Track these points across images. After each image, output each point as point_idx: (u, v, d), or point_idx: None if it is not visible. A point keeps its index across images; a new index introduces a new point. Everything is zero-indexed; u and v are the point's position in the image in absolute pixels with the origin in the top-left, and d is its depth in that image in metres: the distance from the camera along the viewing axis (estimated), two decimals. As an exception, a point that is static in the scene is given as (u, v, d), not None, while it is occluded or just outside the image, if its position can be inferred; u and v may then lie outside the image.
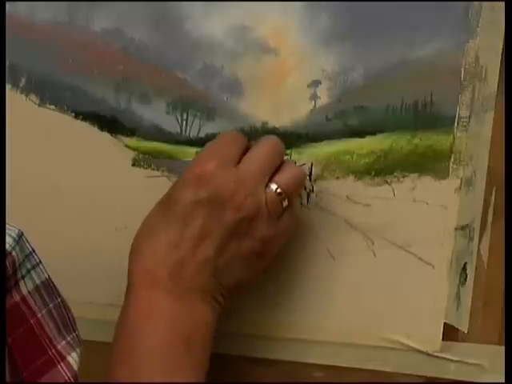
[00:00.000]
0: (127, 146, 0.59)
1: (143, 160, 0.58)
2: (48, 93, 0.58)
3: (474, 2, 0.53)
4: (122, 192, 0.59)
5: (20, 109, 0.58)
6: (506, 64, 0.54)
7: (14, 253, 0.40)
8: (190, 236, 0.47)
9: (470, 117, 0.55)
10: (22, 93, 0.58)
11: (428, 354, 0.58)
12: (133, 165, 0.59)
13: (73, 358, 0.42)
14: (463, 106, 0.54)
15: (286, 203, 0.50)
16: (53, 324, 0.42)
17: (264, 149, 0.51)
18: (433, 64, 0.54)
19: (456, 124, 0.55)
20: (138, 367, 0.45)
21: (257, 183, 0.49)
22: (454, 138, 0.55)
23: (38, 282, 0.42)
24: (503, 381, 0.50)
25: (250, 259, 0.49)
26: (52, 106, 0.58)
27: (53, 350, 0.42)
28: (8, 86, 0.58)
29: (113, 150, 0.58)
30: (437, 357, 0.58)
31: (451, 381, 0.59)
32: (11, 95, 0.58)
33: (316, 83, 0.56)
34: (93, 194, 0.59)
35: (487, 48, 0.54)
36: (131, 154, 0.59)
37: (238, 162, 0.50)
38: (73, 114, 0.58)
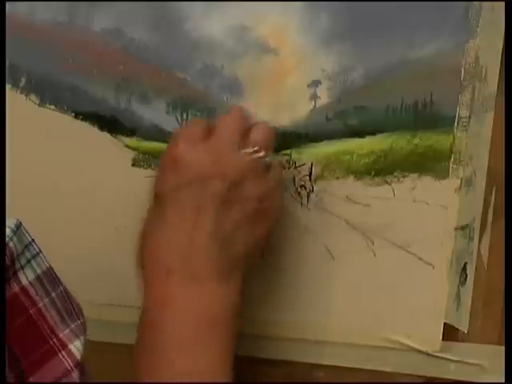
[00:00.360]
0: (127, 146, 0.59)
1: (143, 160, 0.58)
2: (48, 93, 0.58)
3: (474, 2, 0.53)
4: (122, 192, 0.59)
5: (20, 109, 0.58)
6: (506, 64, 0.54)
7: (11, 243, 0.40)
8: (187, 218, 0.47)
9: (470, 117, 0.55)
10: (22, 93, 0.58)
11: (428, 354, 0.58)
12: (133, 165, 0.59)
13: (75, 346, 0.42)
14: (463, 106, 0.54)
15: (265, 158, 0.50)
16: (55, 312, 0.42)
17: (228, 117, 0.51)
18: (433, 64, 0.54)
19: (456, 124, 0.55)
20: (162, 355, 0.46)
21: (232, 149, 0.49)
22: (454, 138, 0.55)
23: (39, 271, 0.42)
24: (503, 381, 0.50)
25: (254, 220, 0.49)
26: (52, 106, 0.58)
27: (54, 339, 0.42)
28: (8, 86, 0.58)
29: (113, 150, 0.58)
30: (437, 357, 0.58)
31: (451, 381, 0.59)
32: (11, 95, 0.58)
33: (316, 83, 0.56)
34: (93, 193, 0.59)
35: (487, 48, 0.54)
36: (131, 154, 0.59)
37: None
38: (73, 114, 0.58)
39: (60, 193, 0.59)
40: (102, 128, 0.58)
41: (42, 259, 0.42)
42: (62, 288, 0.44)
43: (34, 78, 0.58)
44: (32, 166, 0.59)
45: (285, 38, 0.56)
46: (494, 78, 0.55)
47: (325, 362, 0.60)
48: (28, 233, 0.42)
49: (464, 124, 0.55)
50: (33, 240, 0.42)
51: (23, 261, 0.41)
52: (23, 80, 0.58)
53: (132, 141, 0.58)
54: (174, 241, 0.48)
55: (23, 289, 0.41)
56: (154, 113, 0.58)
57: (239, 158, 0.49)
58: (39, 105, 0.58)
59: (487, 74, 0.55)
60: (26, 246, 0.42)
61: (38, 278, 0.42)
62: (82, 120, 0.58)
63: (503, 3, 0.53)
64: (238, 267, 0.49)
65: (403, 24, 0.54)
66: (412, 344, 0.58)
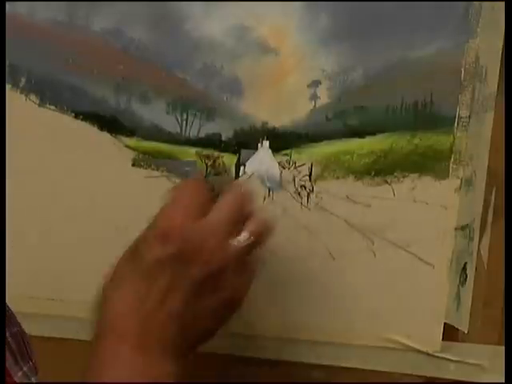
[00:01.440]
0: (127, 146, 0.58)
1: (143, 160, 0.58)
2: (48, 93, 0.58)
3: (474, 2, 0.53)
4: (122, 192, 0.59)
5: (20, 109, 0.58)
6: (506, 64, 0.54)
7: None
8: (158, 291, 0.46)
9: (469, 117, 0.55)
10: (21, 93, 0.58)
11: (428, 354, 0.58)
12: (133, 165, 0.59)
13: None
14: (463, 105, 0.54)
15: (254, 249, 0.48)
16: (9, 354, 0.41)
17: (232, 198, 0.49)
18: (433, 64, 0.54)
19: (456, 124, 0.55)
20: None
21: (225, 235, 0.47)
22: (454, 138, 0.55)
23: None
24: (503, 381, 0.50)
25: (221, 310, 0.48)
26: (52, 106, 0.58)
27: (10, 382, 0.41)
28: (8, 86, 0.58)
29: (113, 150, 0.58)
30: (437, 357, 0.58)
31: (451, 381, 0.59)
32: (11, 95, 0.58)
33: (316, 83, 0.56)
34: (93, 193, 0.59)
35: (487, 48, 0.54)
36: (131, 154, 0.58)
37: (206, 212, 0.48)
38: (73, 114, 0.58)
39: (60, 193, 0.59)
40: (101, 128, 0.58)
41: None
42: (17, 328, 0.42)
43: (33, 78, 0.58)
44: (32, 166, 0.59)
45: (285, 38, 0.56)
46: (494, 78, 0.55)
47: (325, 362, 0.60)
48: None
49: (464, 124, 0.55)
50: None
51: None
52: (23, 80, 0.58)
53: (132, 141, 0.58)
54: (136, 307, 0.46)
55: None
56: (154, 113, 0.58)
57: (228, 248, 0.47)
58: (39, 105, 0.58)
59: (487, 74, 0.55)
60: None
61: None
62: (82, 120, 0.58)
63: (503, 3, 0.53)
64: (192, 348, 0.48)
65: (403, 24, 0.54)
66: (412, 344, 0.58)
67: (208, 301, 0.47)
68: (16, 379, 0.41)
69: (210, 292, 0.47)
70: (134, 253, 0.48)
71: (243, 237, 0.47)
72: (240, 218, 0.48)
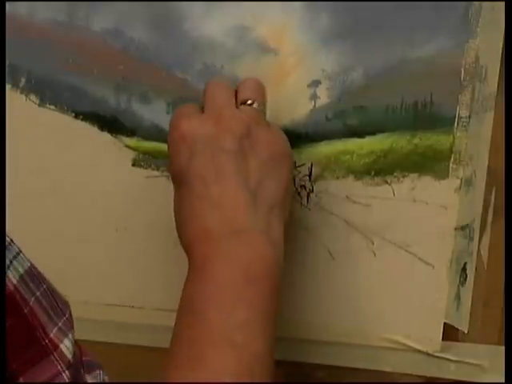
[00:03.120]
0: (127, 146, 0.59)
1: (143, 160, 0.58)
2: (48, 93, 0.58)
3: (474, 2, 0.53)
4: (122, 192, 0.59)
5: (20, 109, 0.58)
6: (506, 64, 0.54)
7: None
8: (210, 180, 0.48)
9: (469, 117, 0.55)
10: (22, 93, 0.58)
11: (428, 354, 0.58)
12: (133, 165, 0.59)
13: (65, 346, 0.42)
14: (463, 105, 0.54)
15: (261, 108, 0.52)
16: (42, 311, 0.41)
17: (215, 86, 0.52)
18: (433, 64, 0.54)
19: (456, 124, 0.55)
20: (198, 312, 0.44)
21: (229, 107, 0.51)
22: (454, 138, 0.55)
23: (22, 271, 0.41)
24: (503, 381, 0.50)
25: (273, 165, 0.50)
26: (52, 106, 0.58)
27: (46, 340, 0.41)
28: (8, 86, 0.58)
29: (113, 150, 0.58)
30: (437, 357, 0.58)
31: (451, 381, 0.59)
32: (11, 95, 0.58)
33: (316, 83, 0.56)
34: (93, 194, 0.59)
35: (487, 48, 0.54)
36: (131, 154, 0.59)
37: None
38: (73, 114, 0.58)
39: (60, 193, 0.59)
40: (102, 128, 0.58)
41: (23, 258, 0.41)
42: (45, 285, 0.43)
43: (33, 78, 0.58)
44: (32, 166, 0.59)
45: (285, 38, 0.56)
46: (494, 78, 0.55)
47: (325, 361, 0.60)
48: (6, 234, 0.41)
49: (464, 124, 0.55)
50: (11, 240, 0.41)
51: (6, 262, 0.40)
52: (23, 80, 0.58)
53: (132, 141, 0.58)
54: (204, 202, 0.47)
55: (16, 289, 0.40)
56: (154, 113, 0.58)
57: (239, 113, 0.50)
58: (39, 105, 0.58)
59: (487, 73, 0.55)
60: (7, 247, 0.40)
61: (21, 277, 0.41)
62: (82, 120, 0.58)
63: (503, 3, 0.53)
64: (275, 214, 0.49)
65: (403, 24, 0.54)
66: (412, 344, 0.58)
67: (255, 161, 0.49)
68: (52, 335, 0.41)
69: (251, 153, 0.49)
70: (175, 177, 0.51)
71: (243, 104, 0.52)
72: (232, 93, 0.52)
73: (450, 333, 0.58)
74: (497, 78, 0.55)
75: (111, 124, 0.58)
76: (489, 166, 0.57)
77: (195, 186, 0.48)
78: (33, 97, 0.58)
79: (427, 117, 0.55)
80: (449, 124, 0.55)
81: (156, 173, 0.59)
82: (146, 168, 0.59)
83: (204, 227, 0.47)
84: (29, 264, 0.42)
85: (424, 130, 0.55)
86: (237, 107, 0.51)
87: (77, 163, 0.59)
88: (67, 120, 0.58)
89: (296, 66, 0.56)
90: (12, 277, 0.40)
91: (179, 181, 0.50)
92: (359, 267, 0.58)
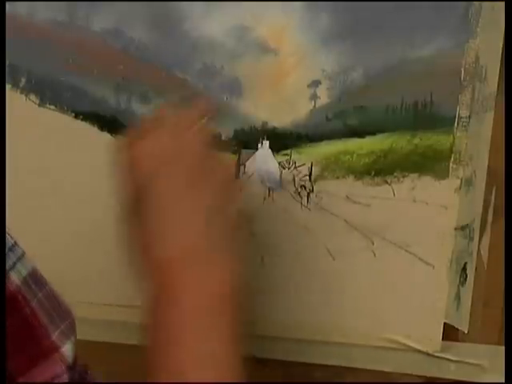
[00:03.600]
0: (127, 146, 0.58)
1: (143, 160, 0.58)
2: (48, 93, 0.58)
3: (474, 2, 0.53)
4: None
5: (20, 109, 0.58)
6: (506, 64, 0.54)
7: None
8: (168, 202, 0.46)
9: (469, 117, 0.55)
10: (22, 93, 0.58)
11: (428, 354, 0.58)
12: (133, 165, 0.59)
13: (67, 349, 0.42)
14: (463, 105, 0.54)
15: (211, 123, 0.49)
16: (44, 313, 0.42)
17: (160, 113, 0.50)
18: (433, 64, 0.54)
19: (456, 124, 0.55)
20: (171, 336, 0.43)
21: (182, 132, 0.47)
22: (454, 138, 0.55)
23: (25, 273, 0.41)
24: (503, 381, 0.50)
25: (225, 188, 0.48)
26: (52, 106, 0.58)
27: (47, 341, 0.41)
28: (8, 86, 0.58)
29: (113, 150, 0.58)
30: (437, 357, 0.58)
31: (451, 381, 0.59)
32: (11, 95, 0.58)
33: (316, 83, 0.56)
34: (93, 193, 0.59)
35: (487, 48, 0.54)
36: (131, 154, 0.58)
37: None
38: (73, 114, 0.58)
39: (60, 192, 0.59)
40: (101, 128, 0.58)
41: (27, 261, 0.42)
42: (48, 288, 0.43)
43: (33, 78, 0.58)
44: (32, 166, 0.59)
45: (285, 38, 0.56)
46: (494, 78, 0.55)
47: (325, 361, 0.60)
48: (10, 235, 0.41)
49: (464, 124, 0.55)
50: (15, 242, 0.41)
51: (9, 263, 0.40)
52: (23, 80, 0.58)
53: (132, 141, 0.58)
54: (165, 228, 0.46)
55: (18, 289, 0.40)
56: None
57: (191, 138, 0.47)
58: (39, 105, 0.58)
59: (487, 73, 0.55)
60: (10, 249, 0.41)
61: (24, 279, 0.41)
62: (82, 120, 0.58)
63: (503, 3, 0.53)
64: (233, 237, 0.48)
65: (403, 24, 0.54)
66: (412, 344, 0.58)
67: (210, 184, 0.46)
68: (54, 338, 0.41)
69: (205, 178, 0.46)
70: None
71: (199, 123, 0.48)
72: (188, 119, 0.48)
73: (450, 333, 0.58)
74: (497, 78, 0.55)
75: (111, 124, 0.58)
76: (489, 166, 0.57)
77: (154, 207, 0.46)
78: (33, 97, 0.58)
79: (427, 117, 0.55)
80: (449, 124, 0.55)
81: (156, 173, 0.58)
82: (145, 168, 0.59)
83: (166, 256, 0.46)
84: (32, 266, 0.42)
85: (424, 130, 0.55)
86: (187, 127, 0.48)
87: (77, 163, 0.59)
88: (67, 120, 0.58)
89: (296, 66, 0.56)
90: (15, 278, 0.40)
91: (137, 195, 0.47)
92: (359, 267, 0.58)
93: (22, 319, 0.40)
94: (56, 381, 0.41)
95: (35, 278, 0.42)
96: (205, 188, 0.46)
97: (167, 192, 0.46)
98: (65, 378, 0.41)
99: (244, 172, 0.58)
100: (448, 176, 0.56)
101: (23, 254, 0.42)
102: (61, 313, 0.43)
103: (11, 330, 0.39)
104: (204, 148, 0.47)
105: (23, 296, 0.40)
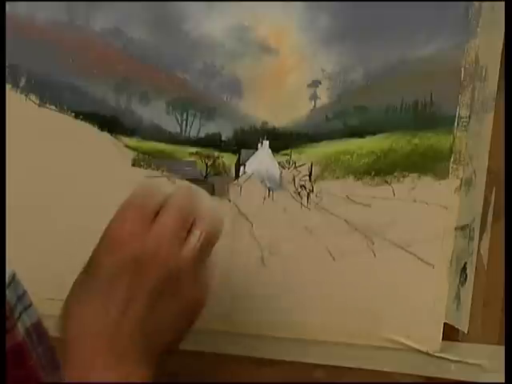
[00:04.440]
0: (127, 146, 0.59)
1: (143, 160, 0.58)
2: (48, 93, 0.58)
3: (474, 2, 0.53)
4: (122, 192, 0.59)
5: (20, 109, 0.58)
6: (506, 64, 0.54)
7: (7, 295, 0.38)
8: (119, 299, 0.46)
9: (469, 117, 0.55)
10: (21, 93, 0.58)
11: (428, 354, 0.58)
12: (133, 165, 0.59)
13: None
14: (463, 105, 0.54)
15: (209, 249, 0.48)
16: (40, 368, 0.41)
17: (179, 199, 0.48)
18: (433, 64, 0.54)
19: (456, 124, 0.55)
20: None
21: (176, 237, 0.46)
22: (454, 138, 0.55)
23: (28, 324, 0.40)
24: (503, 381, 0.50)
25: (185, 312, 0.48)
26: (52, 106, 0.58)
27: None
28: (8, 86, 0.58)
29: (113, 150, 0.58)
30: (437, 357, 0.58)
31: (451, 381, 0.59)
32: (11, 95, 0.58)
33: (316, 83, 0.56)
34: (93, 193, 0.59)
35: (487, 48, 0.54)
36: (131, 154, 0.58)
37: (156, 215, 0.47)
38: (73, 114, 0.58)
39: (60, 192, 0.59)
40: (101, 128, 0.58)
41: (33, 311, 0.41)
42: (48, 342, 0.42)
43: (33, 78, 0.58)
44: (32, 166, 0.59)
45: (285, 38, 0.56)
46: (494, 78, 0.55)
47: (325, 361, 0.60)
48: (20, 284, 0.40)
49: (464, 124, 0.55)
50: (25, 291, 0.41)
51: (16, 313, 0.39)
52: (23, 80, 0.58)
53: (132, 141, 0.58)
54: (101, 319, 0.46)
55: (24, 339, 0.39)
56: (154, 113, 0.58)
57: (180, 251, 0.46)
58: (39, 105, 0.58)
59: (487, 73, 0.55)
60: (19, 298, 0.40)
61: (27, 330, 0.40)
62: (81, 120, 0.58)
63: (503, 3, 0.53)
64: (164, 351, 0.48)
65: (403, 24, 0.54)
66: (412, 344, 0.58)
67: (170, 305, 0.46)
68: None
69: (170, 296, 0.46)
70: (90, 265, 0.48)
71: (194, 237, 0.46)
72: (189, 219, 0.47)
73: (450, 333, 0.58)
74: (497, 77, 0.55)
75: (111, 124, 0.58)
76: (489, 166, 0.57)
77: (104, 290, 0.46)
78: (33, 97, 0.58)
79: (427, 117, 0.55)
80: (449, 124, 0.55)
81: (156, 173, 0.59)
82: (145, 168, 0.59)
83: (92, 348, 0.45)
84: (37, 318, 0.41)
85: (424, 130, 0.55)
86: (184, 237, 0.47)
87: (77, 163, 0.59)
88: (67, 120, 0.58)
89: (296, 66, 0.56)
90: (20, 327, 0.39)
91: (92, 269, 0.48)
92: (359, 267, 0.58)
93: (29, 371, 0.39)
94: None
95: (38, 331, 0.41)
96: (154, 308, 0.46)
97: (119, 291, 0.46)
98: None
99: (244, 172, 0.58)
100: (448, 176, 0.56)
101: (30, 305, 0.41)
102: (54, 369, 0.42)
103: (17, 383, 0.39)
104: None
105: (27, 349, 0.40)
